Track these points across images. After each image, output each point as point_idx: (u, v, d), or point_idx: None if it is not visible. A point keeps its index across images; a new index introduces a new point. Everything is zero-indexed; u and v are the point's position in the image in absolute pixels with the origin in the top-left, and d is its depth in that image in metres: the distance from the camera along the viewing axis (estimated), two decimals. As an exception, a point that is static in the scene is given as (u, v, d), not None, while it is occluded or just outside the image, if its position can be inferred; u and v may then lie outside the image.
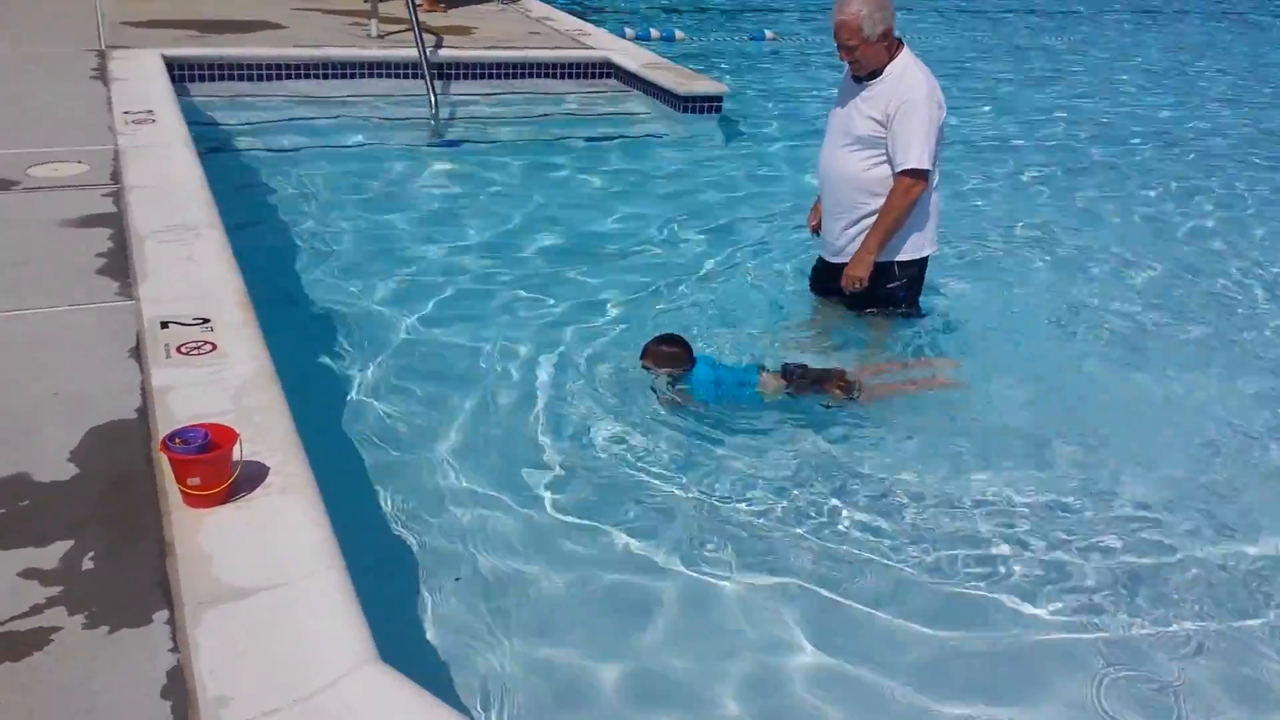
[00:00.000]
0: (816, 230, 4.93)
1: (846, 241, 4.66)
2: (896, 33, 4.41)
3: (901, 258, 4.64)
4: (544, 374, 4.48)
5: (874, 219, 4.50)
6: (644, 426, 4.11)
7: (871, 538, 3.57)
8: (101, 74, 7.18)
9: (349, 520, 2.80)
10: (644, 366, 4.31)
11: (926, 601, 3.29)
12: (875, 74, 4.40)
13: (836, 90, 4.71)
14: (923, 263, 4.75)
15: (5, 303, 3.75)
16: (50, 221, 4.51)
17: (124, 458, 2.89)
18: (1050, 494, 3.88)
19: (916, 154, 4.33)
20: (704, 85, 8.66)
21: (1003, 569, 3.47)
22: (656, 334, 4.43)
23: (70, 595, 2.36)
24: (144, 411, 3.12)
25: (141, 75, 7.24)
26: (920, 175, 4.37)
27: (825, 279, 4.91)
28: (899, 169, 4.39)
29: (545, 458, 3.91)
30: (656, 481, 3.78)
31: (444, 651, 2.92)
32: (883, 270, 4.62)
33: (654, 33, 12.05)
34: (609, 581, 3.29)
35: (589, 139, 7.98)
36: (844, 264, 4.63)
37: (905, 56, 4.41)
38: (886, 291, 4.72)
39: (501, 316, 5.00)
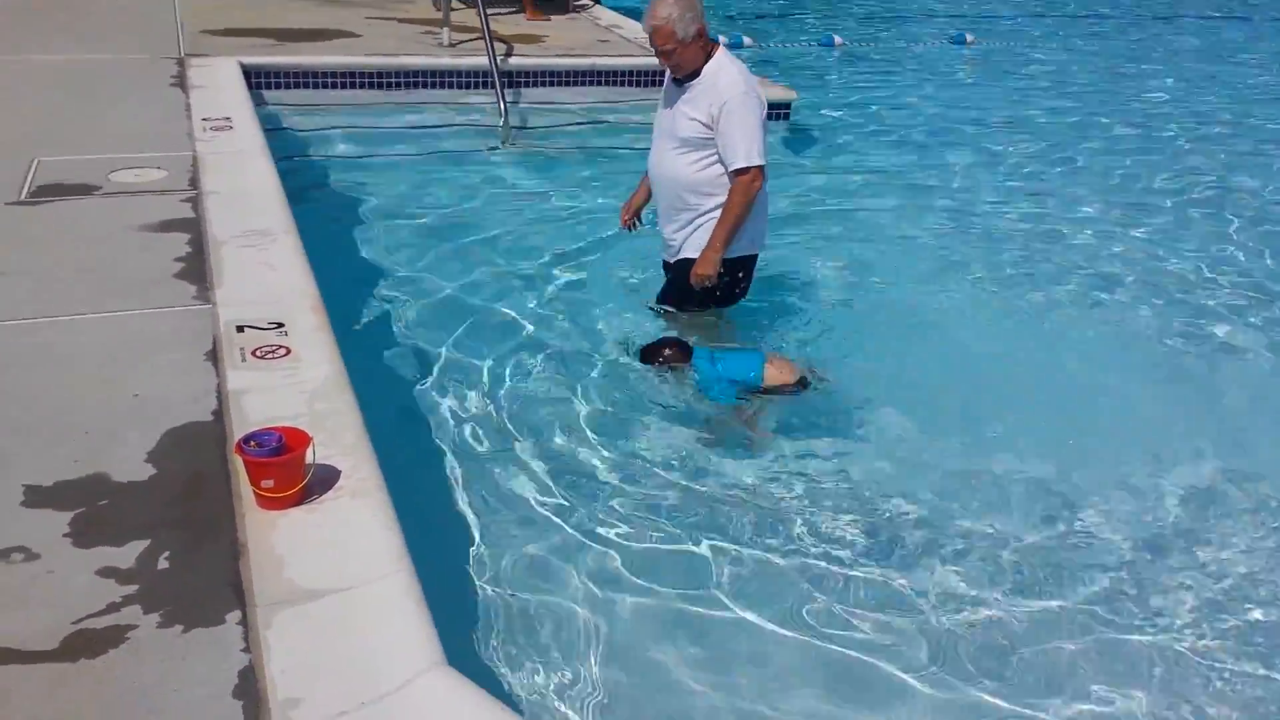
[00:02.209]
0: (630, 225, 5.07)
1: (682, 241, 4.71)
2: (712, 34, 4.48)
3: (726, 256, 4.61)
4: (619, 385, 4.47)
5: (708, 218, 4.55)
6: (725, 451, 4.06)
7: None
8: (181, 81, 7.33)
9: (418, 524, 2.81)
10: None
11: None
12: (694, 75, 4.44)
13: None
14: (746, 261, 4.76)
15: (87, 306, 3.83)
16: (130, 226, 4.60)
17: (199, 460, 2.93)
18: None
19: (745, 151, 4.38)
20: (773, 92, 8.57)
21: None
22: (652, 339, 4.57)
23: (145, 594, 2.40)
24: (219, 414, 3.17)
25: (219, 83, 7.37)
26: (755, 171, 4.42)
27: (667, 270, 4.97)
28: (731, 168, 4.44)
29: (618, 473, 3.90)
30: (732, 507, 3.75)
31: (509, 658, 2.92)
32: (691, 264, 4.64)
33: (721, 39, 11.98)
34: (679, 602, 3.27)
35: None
36: (682, 261, 4.70)
37: (721, 56, 4.46)
38: (691, 289, 4.73)
39: (572, 323, 5.00)
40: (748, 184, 4.44)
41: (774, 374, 4.34)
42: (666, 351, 4.44)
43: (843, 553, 3.51)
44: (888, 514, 3.75)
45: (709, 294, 4.72)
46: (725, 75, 4.41)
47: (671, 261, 4.82)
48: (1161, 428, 4.42)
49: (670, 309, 4.92)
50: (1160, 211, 7.28)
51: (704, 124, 4.41)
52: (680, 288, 4.80)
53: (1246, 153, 8.97)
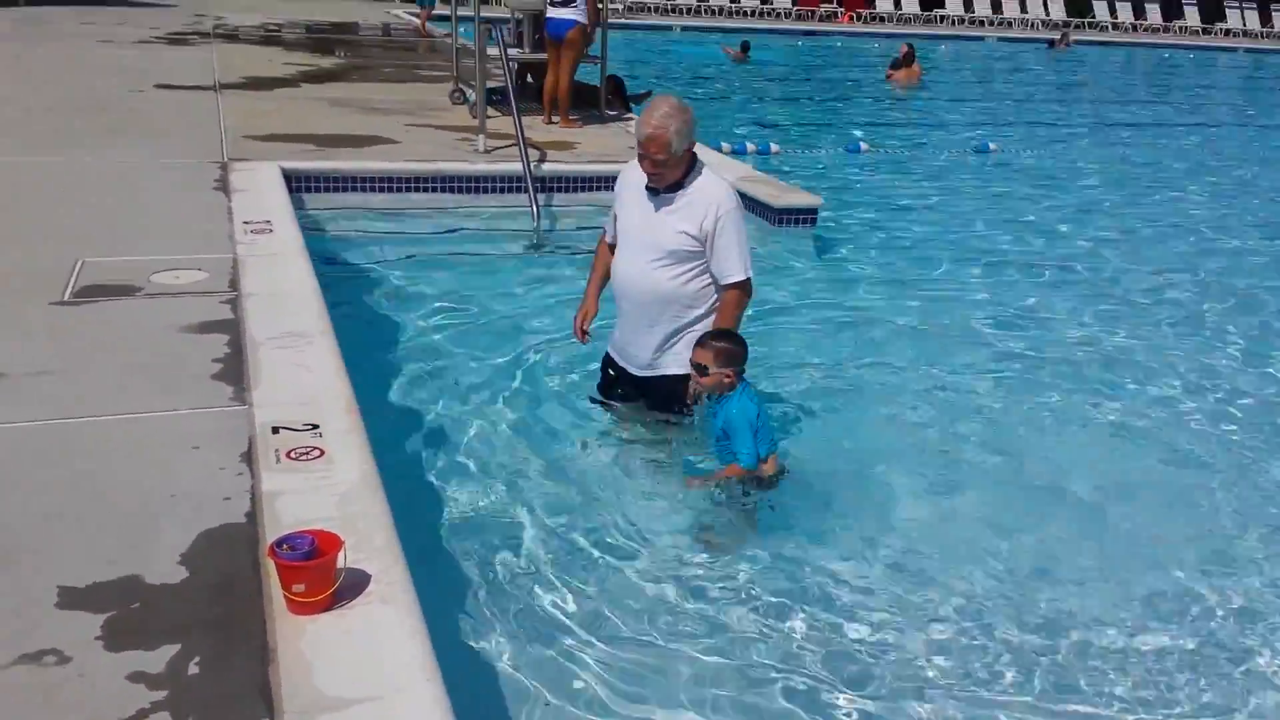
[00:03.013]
0: (584, 337, 4.87)
1: (660, 356, 4.56)
2: None
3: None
4: (661, 496, 4.45)
5: (690, 332, 4.44)
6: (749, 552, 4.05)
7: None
8: (223, 185, 7.52)
9: (447, 629, 2.81)
10: (696, 364, 4.23)
11: None
12: (676, 185, 4.35)
13: (617, 200, 4.63)
14: None
15: (126, 405, 3.90)
16: (170, 327, 4.70)
17: (232, 561, 2.95)
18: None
19: (743, 265, 4.36)
20: (799, 198, 8.73)
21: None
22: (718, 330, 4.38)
23: (175, 700, 2.40)
24: (253, 516, 3.19)
25: (260, 186, 7.56)
26: (749, 285, 4.42)
27: (626, 387, 4.84)
28: (728, 281, 4.38)
29: (649, 578, 3.89)
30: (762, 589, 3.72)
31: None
32: (684, 379, 4.49)
33: (750, 146, 12.25)
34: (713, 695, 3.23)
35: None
36: (662, 378, 4.56)
37: (703, 166, 4.41)
38: (678, 401, 4.64)
39: (612, 427, 5.01)
40: (742, 296, 4.41)
41: (768, 465, 4.31)
42: (732, 348, 4.24)
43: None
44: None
45: (673, 403, 4.65)
46: (715, 186, 4.38)
47: (644, 376, 4.65)
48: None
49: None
50: (1194, 326, 7.26)
51: (693, 236, 4.32)
52: (665, 403, 4.69)
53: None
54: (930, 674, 3.50)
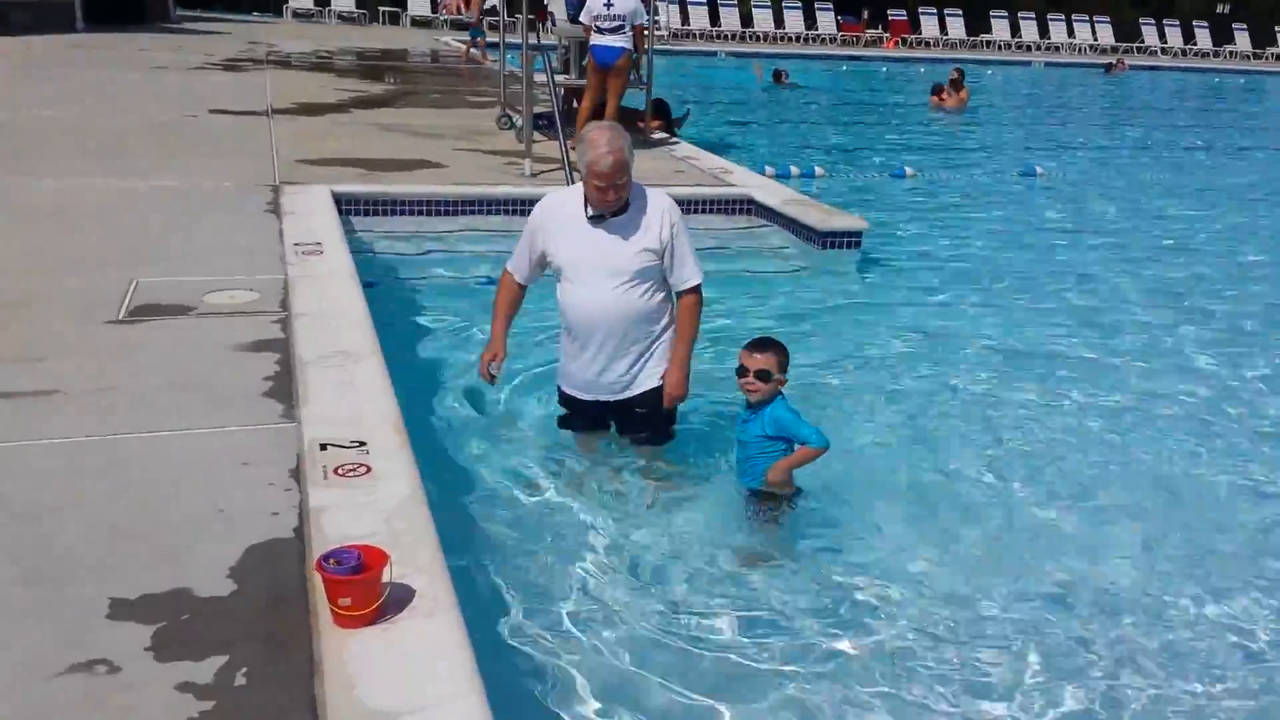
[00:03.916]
0: (493, 380, 4.65)
1: (637, 374, 4.50)
2: None
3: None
4: (699, 505, 4.48)
5: (659, 344, 4.45)
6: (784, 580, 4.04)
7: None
8: (275, 208, 7.65)
9: (490, 645, 2.82)
10: (759, 371, 4.19)
11: None
12: (623, 206, 4.29)
13: (536, 234, 4.46)
14: None
15: (179, 422, 3.97)
16: (222, 345, 4.78)
17: (280, 576, 2.98)
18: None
19: (697, 267, 4.41)
20: (844, 221, 8.72)
21: None
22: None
23: (222, 711, 2.43)
24: (300, 531, 3.23)
25: (311, 209, 7.68)
26: (700, 287, 4.44)
27: (597, 419, 4.73)
28: (687, 285, 4.41)
29: (693, 593, 3.90)
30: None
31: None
32: (660, 392, 4.51)
33: (794, 169, 12.26)
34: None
35: (730, 273, 8.10)
36: (646, 394, 4.50)
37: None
38: (666, 412, 4.62)
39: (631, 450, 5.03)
40: (698, 300, 4.44)
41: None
42: (779, 351, 4.24)
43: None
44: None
45: (656, 420, 4.64)
46: (657, 195, 4.39)
47: (625, 399, 4.55)
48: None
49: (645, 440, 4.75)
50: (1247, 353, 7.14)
51: (654, 251, 4.30)
52: (656, 419, 4.64)
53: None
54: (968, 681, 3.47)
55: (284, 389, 4.33)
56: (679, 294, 4.47)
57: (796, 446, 4.19)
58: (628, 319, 4.38)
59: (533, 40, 11.17)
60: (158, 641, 2.65)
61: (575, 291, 4.39)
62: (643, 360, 4.49)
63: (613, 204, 4.24)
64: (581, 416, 4.75)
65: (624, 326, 4.39)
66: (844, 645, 3.65)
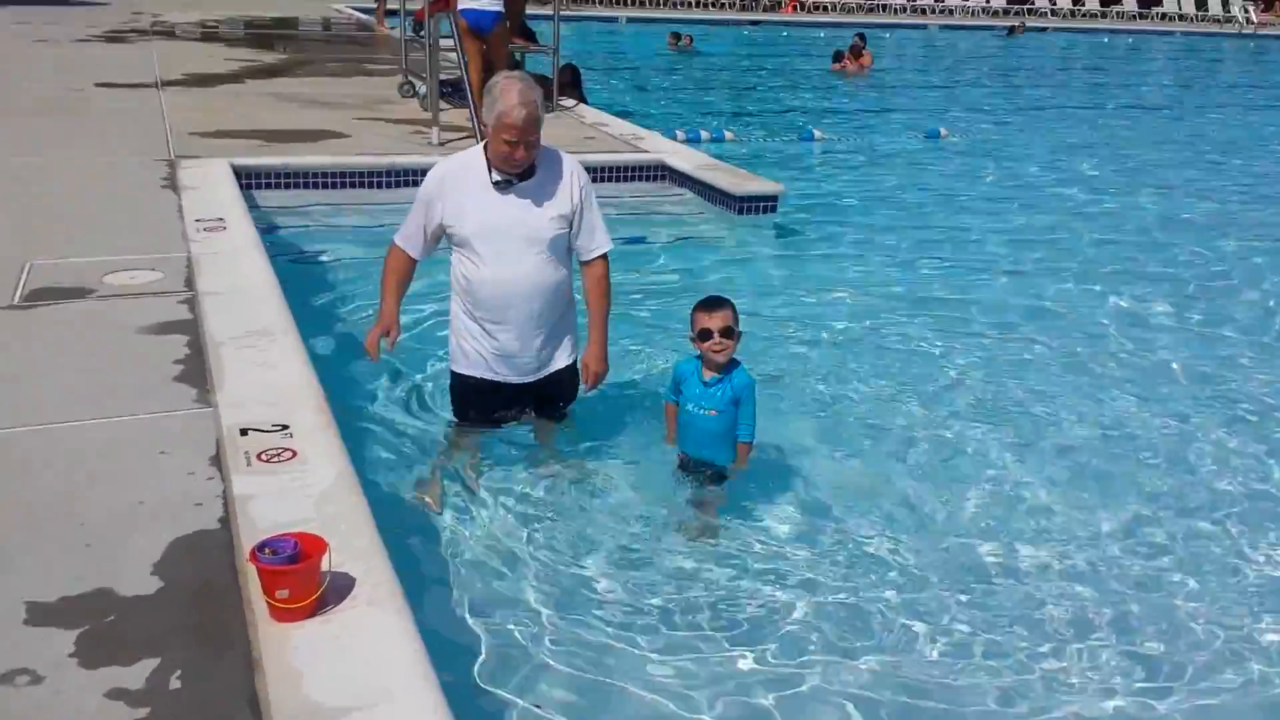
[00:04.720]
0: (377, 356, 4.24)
1: (553, 352, 4.27)
2: None
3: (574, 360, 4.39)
4: (633, 486, 4.37)
5: (567, 319, 4.27)
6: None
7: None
8: (172, 183, 7.33)
9: (436, 632, 2.72)
10: (728, 329, 3.99)
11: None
12: (529, 171, 4.00)
13: (443, 202, 4.04)
14: None
15: (85, 411, 3.75)
16: (127, 328, 4.54)
17: (208, 568, 2.84)
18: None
19: (608, 232, 4.21)
20: (760, 185, 8.69)
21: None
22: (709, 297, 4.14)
23: (158, 717, 2.28)
24: (226, 521, 3.08)
25: (211, 184, 7.38)
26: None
27: (510, 401, 4.37)
28: (598, 253, 4.19)
29: (632, 563, 3.83)
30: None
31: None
32: (573, 369, 4.38)
33: (704, 134, 12.19)
34: (699, 694, 3.16)
35: (644, 240, 8.02)
36: (559, 372, 4.31)
37: None
38: (575, 389, 4.47)
39: (587, 415, 4.93)
40: (608, 267, 4.23)
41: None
42: (728, 305, 4.04)
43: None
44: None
45: (568, 396, 4.50)
46: (563, 156, 4.10)
47: (539, 378, 4.29)
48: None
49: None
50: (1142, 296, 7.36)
51: (565, 217, 4.06)
52: (570, 397, 4.49)
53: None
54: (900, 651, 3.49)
55: (197, 372, 4.13)
56: (587, 263, 4.22)
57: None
58: (546, 292, 4.11)
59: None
60: (82, 646, 2.49)
61: (486, 265, 4.03)
62: (557, 337, 4.27)
63: (521, 163, 3.92)
64: (489, 403, 4.36)
65: (542, 300, 4.11)
66: (795, 613, 3.63)
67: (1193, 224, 9.80)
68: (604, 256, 4.23)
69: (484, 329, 4.16)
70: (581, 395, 4.54)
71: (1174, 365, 6.11)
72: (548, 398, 4.43)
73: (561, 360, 4.32)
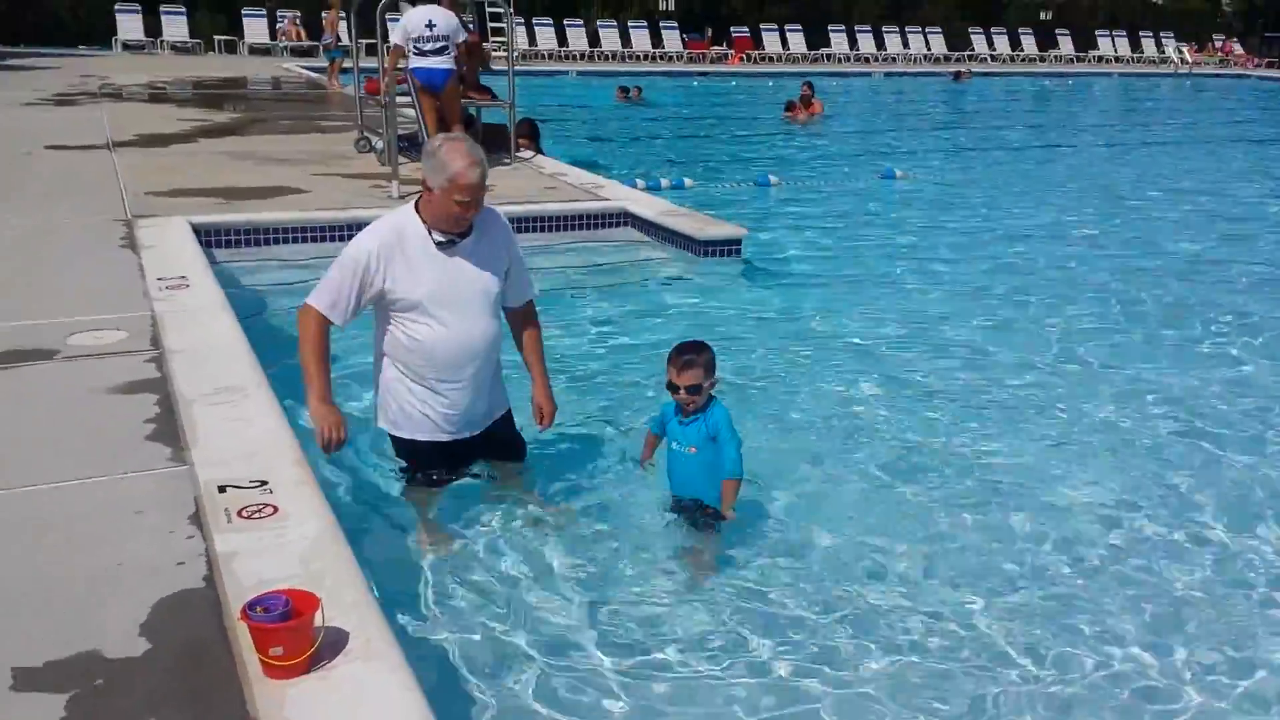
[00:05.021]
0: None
1: (494, 400, 4.26)
2: None
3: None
4: (612, 523, 4.37)
5: (499, 366, 4.23)
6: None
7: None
8: (130, 242, 7.25)
9: (436, 683, 2.66)
10: (689, 387, 4.02)
11: None
12: (469, 229, 3.95)
13: (384, 268, 3.86)
14: None
15: (57, 474, 3.66)
16: (95, 389, 4.46)
17: (196, 628, 2.76)
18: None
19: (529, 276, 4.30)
20: (723, 230, 8.76)
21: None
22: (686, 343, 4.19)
23: (156, 781, 2.21)
24: (211, 579, 3.00)
25: (170, 242, 7.31)
26: None
27: (462, 455, 4.32)
28: (529, 298, 4.28)
29: (625, 606, 3.80)
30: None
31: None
32: (510, 414, 4.40)
33: (664, 182, 12.28)
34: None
35: (612, 286, 8.04)
36: (493, 424, 4.27)
37: None
38: (517, 431, 4.51)
39: (563, 454, 4.93)
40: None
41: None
42: (701, 356, 4.06)
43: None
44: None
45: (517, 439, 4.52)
46: (491, 211, 4.06)
47: (488, 427, 4.26)
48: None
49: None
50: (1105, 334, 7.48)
51: (506, 269, 4.08)
52: (517, 439, 4.50)
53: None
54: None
55: (169, 430, 4.05)
56: (518, 309, 4.27)
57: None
58: (493, 347, 4.11)
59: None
60: (74, 711, 2.40)
61: (443, 327, 3.93)
62: (497, 383, 4.27)
63: (468, 223, 3.89)
64: (442, 463, 4.28)
65: (491, 356, 4.12)
66: (792, 648, 3.61)
67: (1144, 249, 10.07)
68: (532, 300, 4.32)
69: (433, 390, 4.05)
70: (542, 436, 4.55)
71: (1141, 391, 6.21)
72: (503, 441, 4.43)
73: (502, 403, 4.34)
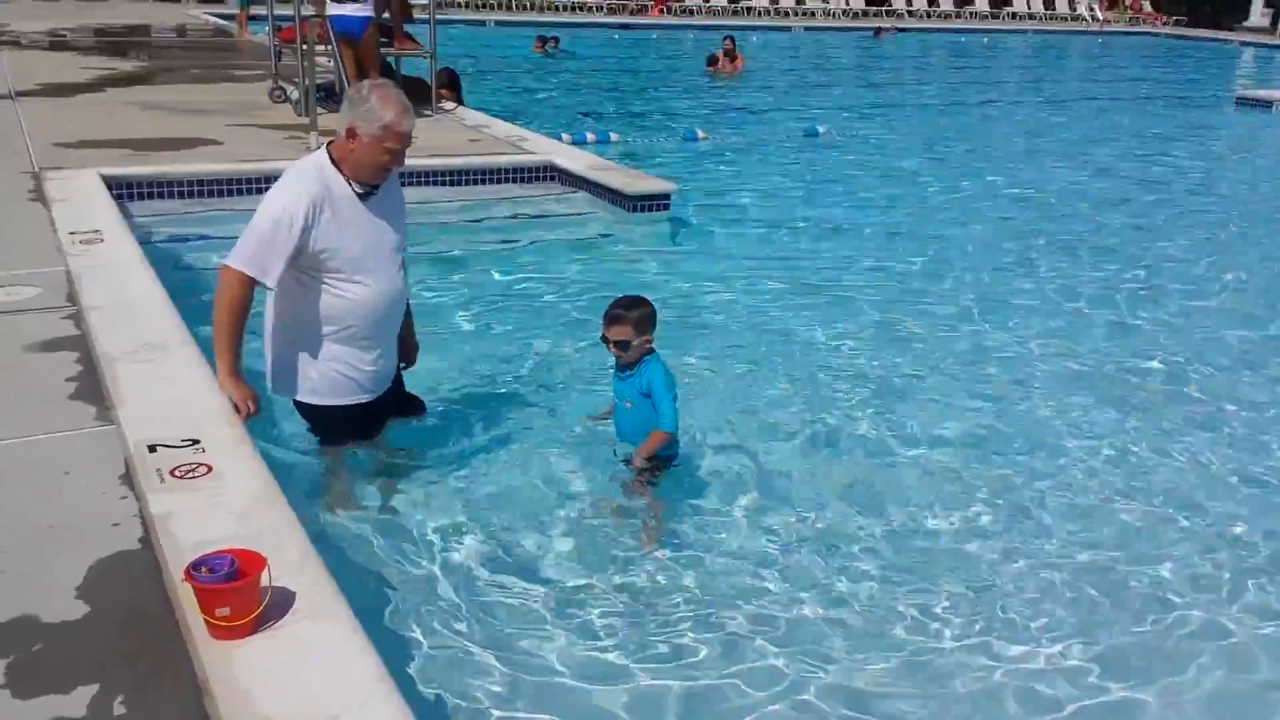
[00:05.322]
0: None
1: (394, 352, 4.16)
2: None
3: None
4: (557, 472, 4.39)
5: None
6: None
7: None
8: (39, 195, 6.98)
9: (379, 639, 2.63)
10: (618, 341, 4.03)
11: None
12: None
13: (315, 217, 3.63)
14: None
15: (-21, 434, 3.53)
16: (11, 347, 4.30)
17: (136, 590, 2.69)
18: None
19: None
20: (652, 184, 8.72)
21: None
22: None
23: (105, 745, 2.16)
24: (147, 540, 2.92)
25: (82, 195, 7.05)
26: None
27: (381, 412, 4.23)
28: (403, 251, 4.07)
29: (568, 559, 3.81)
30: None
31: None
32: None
33: (590, 135, 12.16)
34: (645, 689, 3.15)
35: (541, 241, 7.97)
36: (395, 378, 4.20)
37: None
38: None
39: (456, 423, 4.86)
40: None
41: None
42: (635, 312, 4.03)
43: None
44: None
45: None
46: None
47: (391, 382, 4.17)
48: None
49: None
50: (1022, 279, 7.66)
51: (405, 221, 4.00)
52: (406, 395, 4.43)
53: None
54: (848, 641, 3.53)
55: (92, 389, 3.92)
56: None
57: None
58: (404, 299, 4.04)
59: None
60: (14, 675, 2.33)
61: (362, 288, 3.77)
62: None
63: (390, 173, 3.76)
64: (362, 426, 4.17)
65: (401, 309, 4.03)
66: (736, 613, 3.63)
67: (1068, 202, 10.35)
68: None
69: (362, 350, 3.91)
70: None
71: (1041, 341, 6.39)
72: (406, 396, 4.39)
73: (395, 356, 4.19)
